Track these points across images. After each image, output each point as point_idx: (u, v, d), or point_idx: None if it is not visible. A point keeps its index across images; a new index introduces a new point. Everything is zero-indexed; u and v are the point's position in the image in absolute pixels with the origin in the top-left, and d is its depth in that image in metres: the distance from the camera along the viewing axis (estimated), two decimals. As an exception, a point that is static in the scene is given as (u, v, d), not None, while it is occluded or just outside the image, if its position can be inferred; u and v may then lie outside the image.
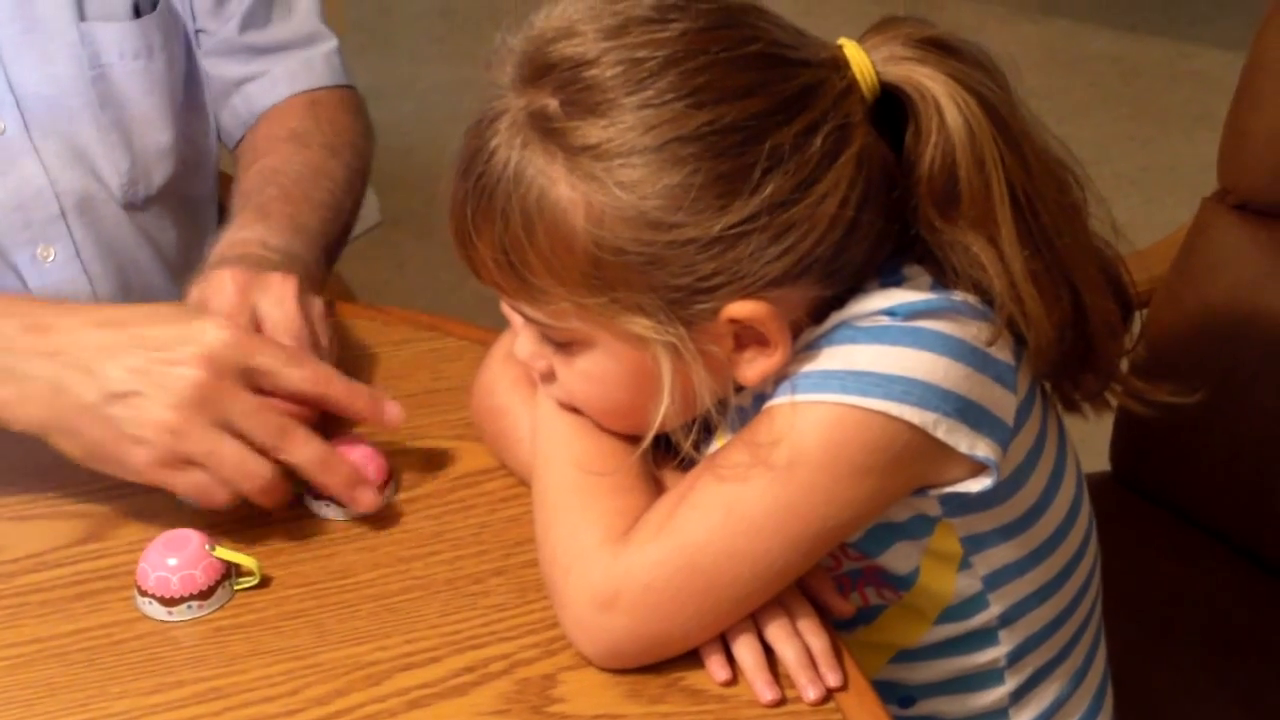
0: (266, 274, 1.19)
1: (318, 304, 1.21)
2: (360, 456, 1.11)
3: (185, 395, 1.04)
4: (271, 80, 1.54)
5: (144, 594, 1.04)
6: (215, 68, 1.54)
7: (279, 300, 1.17)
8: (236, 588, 1.06)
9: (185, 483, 1.06)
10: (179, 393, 1.04)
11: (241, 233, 1.28)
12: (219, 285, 1.18)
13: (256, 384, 1.07)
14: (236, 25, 1.53)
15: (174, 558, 1.04)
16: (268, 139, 1.49)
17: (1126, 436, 1.64)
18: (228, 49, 1.54)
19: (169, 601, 1.04)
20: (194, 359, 1.05)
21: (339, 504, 1.11)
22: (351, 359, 1.27)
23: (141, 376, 1.05)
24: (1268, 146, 1.56)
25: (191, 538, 1.05)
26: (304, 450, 1.07)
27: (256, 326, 1.16)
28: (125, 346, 1.06)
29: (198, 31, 1.53)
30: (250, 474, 1.05)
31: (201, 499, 1.07)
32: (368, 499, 1.10)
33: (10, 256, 1.44)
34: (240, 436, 1.05)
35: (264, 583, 1.07)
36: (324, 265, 1.33)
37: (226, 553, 1.05)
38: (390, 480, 1.14)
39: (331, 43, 1.58)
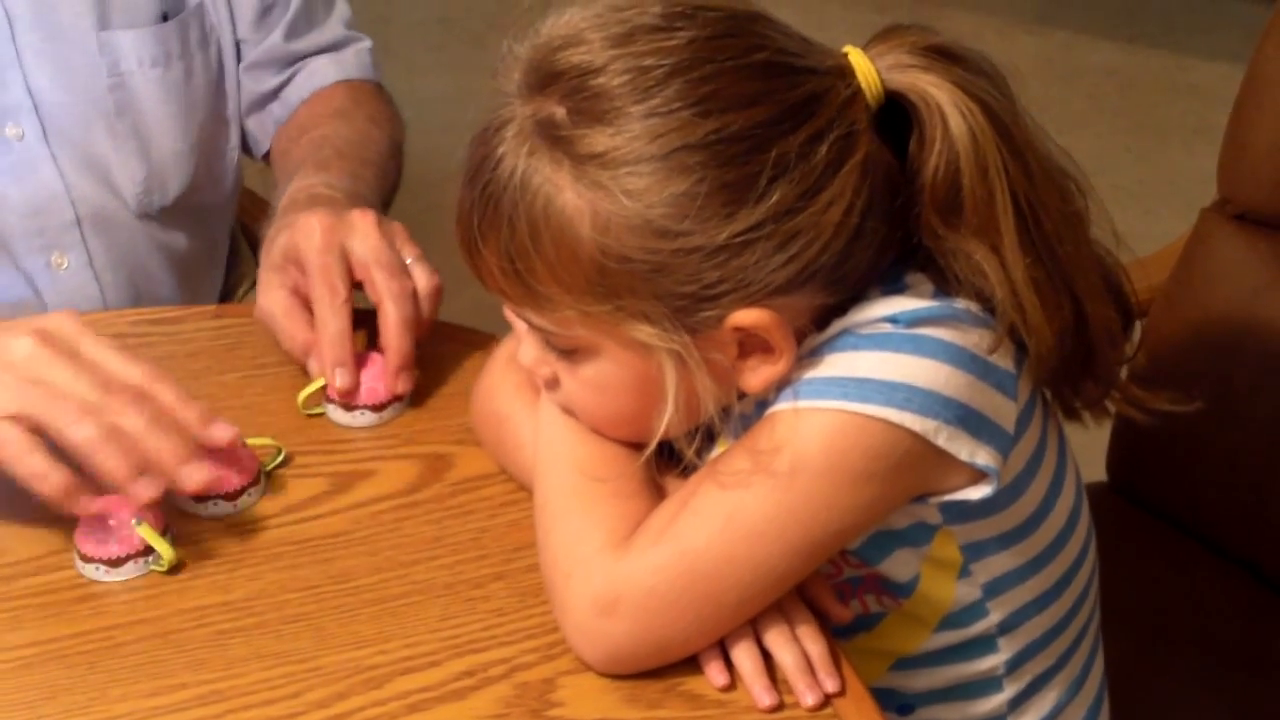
0: (348, 212, 1.22)
1: (399, 229, 1.23)
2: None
3: (8, 356, 1.05)
4: (308, 74, 1.57)
5: (85, 559, 1.07)
6: (254, 81, 1.56)
7: (364, 234, 1.20)
8: (151, 567, 1.08)
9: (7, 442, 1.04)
10: (3, 352, 1.06)
11: (306, 179, 1.32)
12: (306, 229, 1.21)
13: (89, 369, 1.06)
14: (282, 34, 1.56)
15: (112, 519, 1.07)
16: (313, 116, 1.53)
17: (1123, 447, 1.64)
18: (270, 58, 1.56)
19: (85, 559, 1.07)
20: (29, 331, 1.07)
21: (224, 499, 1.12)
22: (352, 364, 1.27)
23: None
24: (1268, 157, 1.56)
25: (124, 504, 1.07)
26: (130, 416, 1.04)
27: (347, 268, 1.19)
28: None
29: (239, 43, 1.54)
30: (75, 433, 1.03)
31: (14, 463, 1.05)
32: (196, 477, 1.05)
33: (23, 263, 1.45)
34: (59, 397, 1.04)
35: (176, 568, 1.08)
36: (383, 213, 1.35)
37: (147, 531, 1.07)
38: (258, 480, 1.13)
39: (365, 42, 1.63)
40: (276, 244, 1.23)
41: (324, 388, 1.19)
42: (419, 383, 1.22)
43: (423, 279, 1.21)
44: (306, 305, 1.21)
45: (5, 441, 1.04)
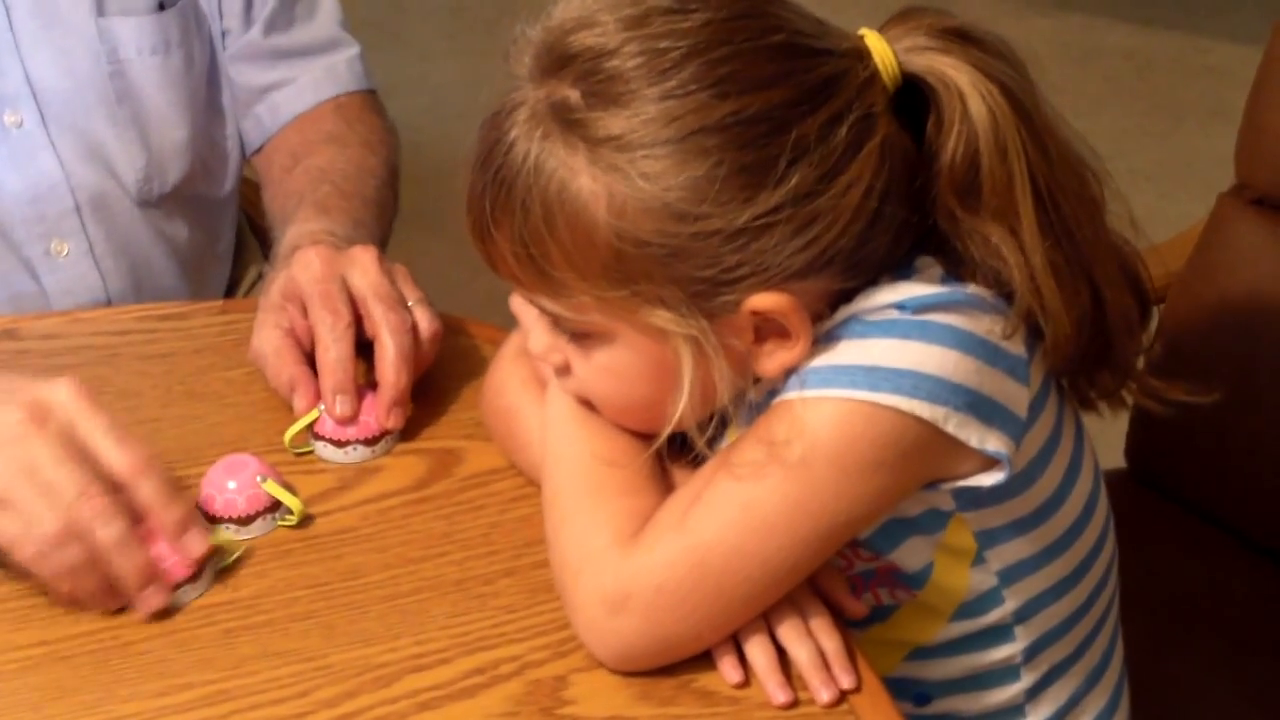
0: (349, 248, 1.20)
1: (401, 269, 1.21)
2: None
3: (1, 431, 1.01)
4: (298, 89, 1.55)
5: (214, 519, 1.09)
6: (240, 74, 1.55)
7: (364, 269, 1.18)
8: (278, 523, 1.09)
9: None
10: None
11: (307, 225, 1.30)
12: (305, 262, 1.19)
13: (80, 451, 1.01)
14: (260, 29, 1.54)
15: (233, 481, 1.09)
16: (305, 143, 1.50)
17: (1142, 434, 1.63)
18: (252, 53, 1.54)
19: (243, 520, 1.09)
20: (22, 404, 1.01)
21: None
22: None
23: None
24: (1286, 141, 1.55)
25: (249, 463, 1.10)
26: (102, 524, 1.00)
27: (348, 297, 1.17)
28: None
29: (224, 33, 1.53)
30: (41, 527, 0.99)
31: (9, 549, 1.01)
32: (154, 601, 1.02)
33: (23, 251, 1.44)
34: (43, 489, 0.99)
35: (304, 521, 1.10)
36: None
37: (274, 488, 1.09)
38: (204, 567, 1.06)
39: (354, 49, 1.60)
40: (276, 283, 1.21)
41: (312, 424, 1.16)
42: (428, 376, 1.21)
43: (424, 321, 1.18)
44: (300, 345, 1.18)
45: (13, 540, 1.01)
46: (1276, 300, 1.53)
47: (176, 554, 1.03)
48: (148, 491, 1.02)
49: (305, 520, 1.11)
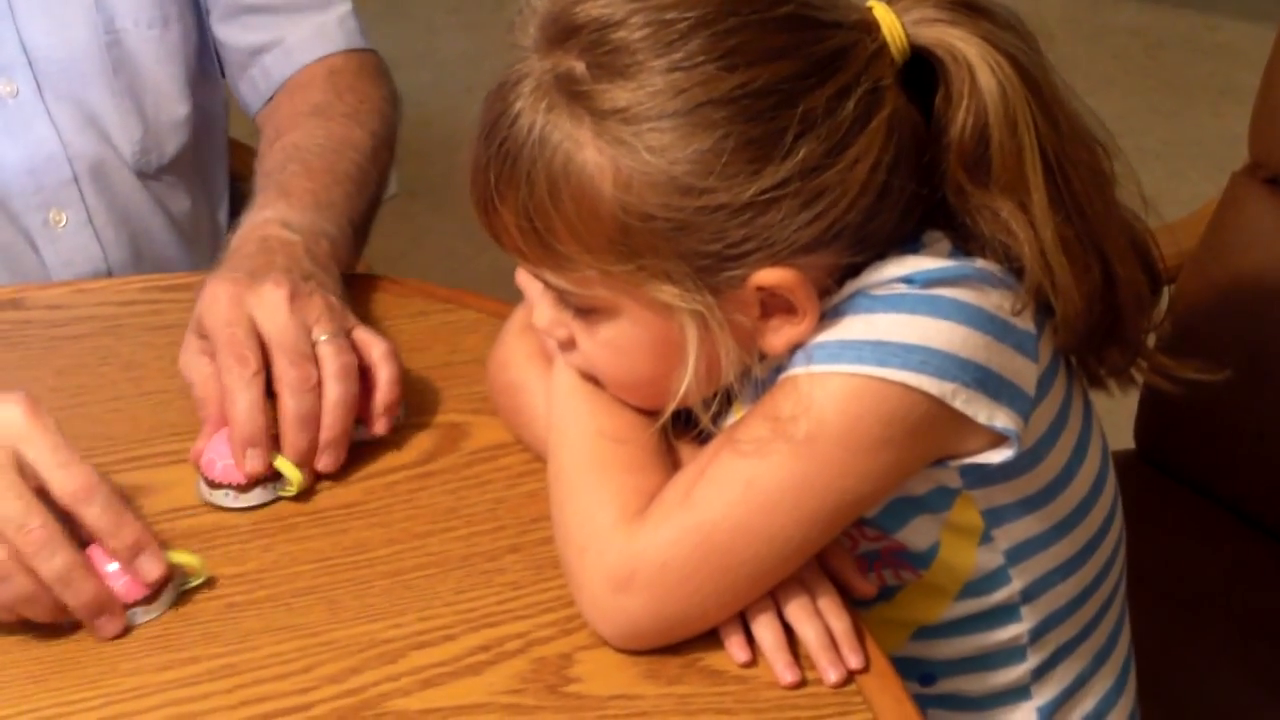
0: (260, 283, 1.13)
1: (315, 302, 1.13)
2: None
3: None
4: (286, 50, 1.52)
5: (214, 485, 1.09)
6: (228, 35, 1.53)
7: (272, 311, 1.11)
8: (279, 493, 1.10)
9: None
10: None
11: (263, 213, 1.25)
12: (211, 298, 1.13)
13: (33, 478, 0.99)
14: None
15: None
16: (290, 115, 1.47)
17: (1152, 414, 1.63)
18: (230, 9, 1.51)
19: (242, 488, 1.09)
20: None
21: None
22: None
23: None
24: (1299, 120, 1.54)
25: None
26: (45, 558, 0.97)
27: (256, 341, 1.11)
28: None
29: None
30: None
31: None
32: (108, 629, 1.00)
33: (22, 220, 1.44)
34: None
35: (303, 495, 1.10)
36: (352, 237, 1.30)
37: (276, 458, 1.09)
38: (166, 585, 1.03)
39: (345, 6, 1.55)
40: (196, 306, 1.15)
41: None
42: (433, 351, 1.21)
43: (330, 357, 1.10)
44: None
45: None
46: (1291, 281, 1.52)
47: (130, 575, 1.00)
48: (94, 516, 0.99)
49: (305, 493, 1.10)
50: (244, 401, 1.08)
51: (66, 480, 0.99)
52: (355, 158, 1.39)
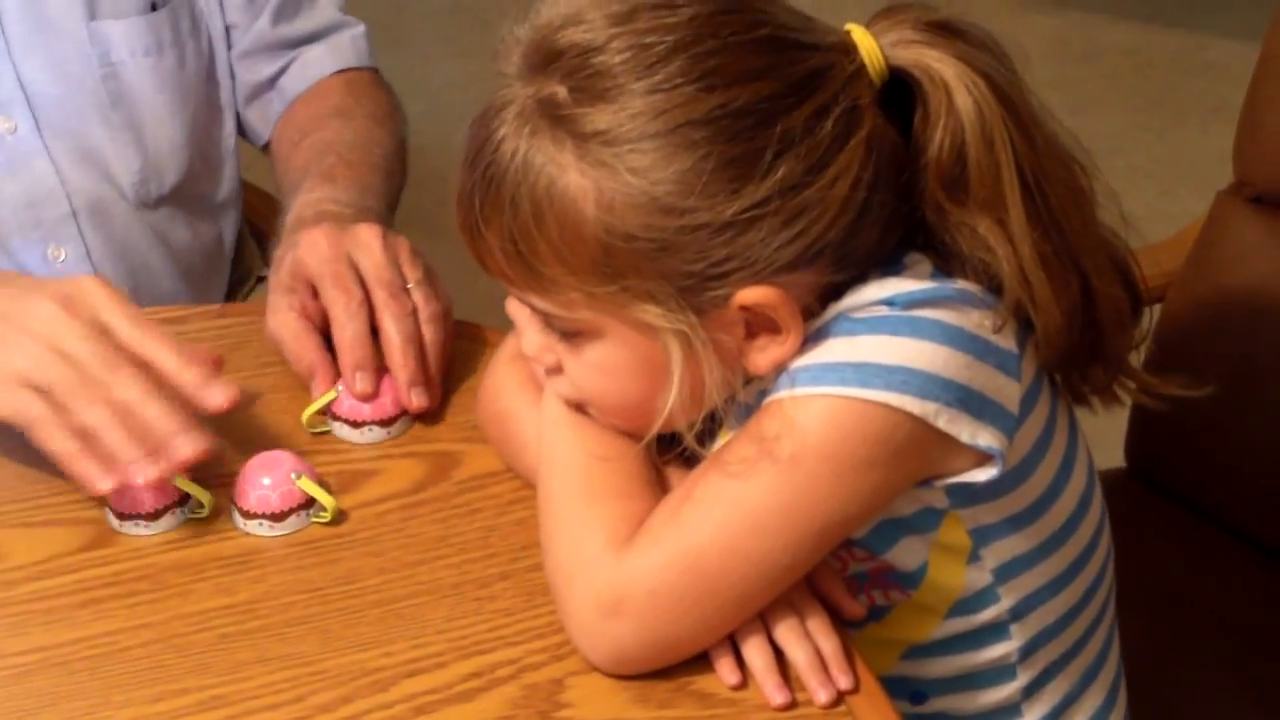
0: (353, 226, 1.21)
1: (403, 244, 1.22)
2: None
3: (29, 321, 1.08)
4: (303, 65, 1.56)
5: (248, 515, 1.10)
6: (248, 70, 1.55)
7: (369, 249, 1.19)
8: (312, 520, 1.10)
9: (25, 410, 1.07)
10: (26, 315, 1.09)
11: (313, 194, 1.31)
12: (311, 242, 1.21)
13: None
14: (269, 18, 1.55)
15: (267, 478, 1.10)
16: (311, 118, 1.51)
17: (1141, 432, 1.63)
18: (260, 44, 1.55)
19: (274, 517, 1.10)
20: (53, 294, 1.09)
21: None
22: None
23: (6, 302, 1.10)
24: (1284, 138, 1.54)
25: (284, 459, 1.11)
26: (123, 388, 1.06)
27: (358, 276, 1.18)
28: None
29: (229, 28, 1.53)
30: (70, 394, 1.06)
31: (40, 439, 1.07)
32: (151, 471, 1.07)
33: (20, 257, 1.44)
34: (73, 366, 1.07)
35: (338, 519, 1.11)
36: (390, 221, 1.35)
37: (309, 484, 1.10)
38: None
39: (358, 27, 1.61)
40: (284, 264, 1.22)
41: (330, 405, 1.18)
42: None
43: (422, 303, 1.20)
44: (316, 327, 1.20)
45: (35, 420, 1.07)
46: (1275, 297, 1.53)
47: (150, 489, 1.07)
48: (167, 363, 1.08)
49: (337, 520, 1.11)
50: (352, 330, 1.16)
51: (143, 334, 1.09)
52: (381, 152, 1.44)
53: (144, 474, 1.06)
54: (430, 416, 1.20)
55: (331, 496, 1.11)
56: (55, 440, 1.06)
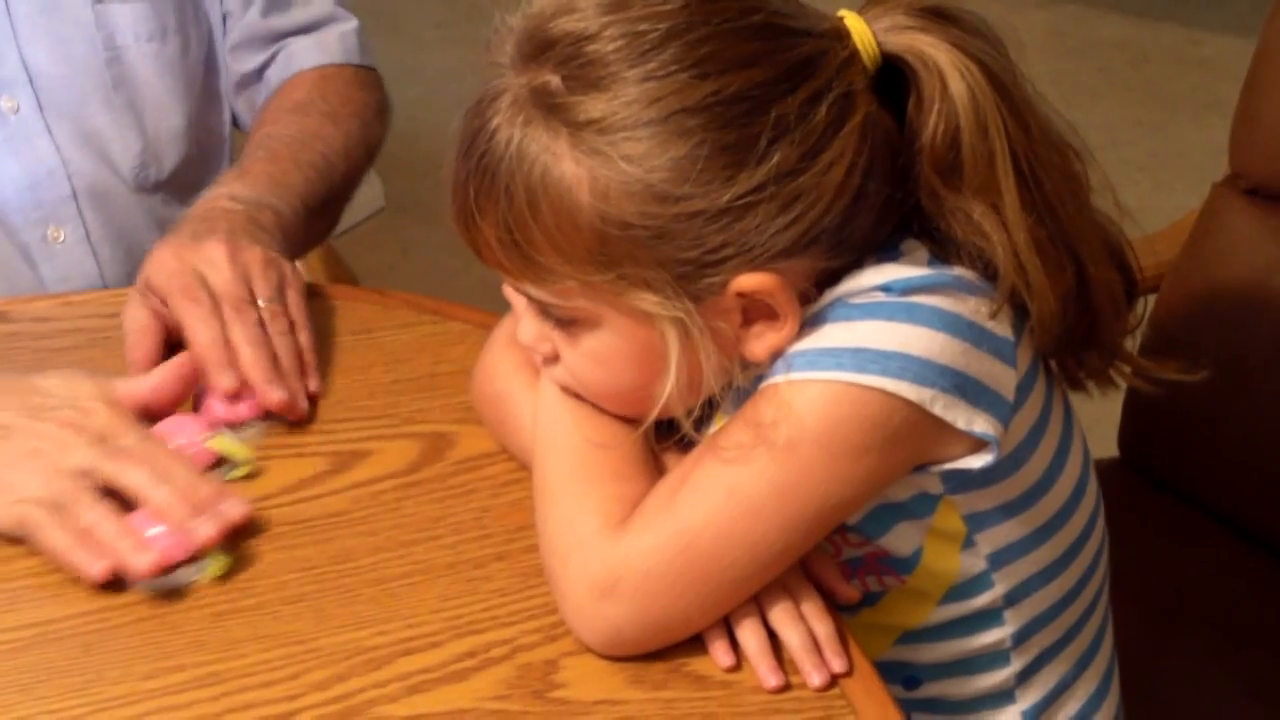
0: (201, 242, 1.20)
1: (255, 259, 1.21)
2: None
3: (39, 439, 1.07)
4: (286, 57, 1.55)
5: None
6: (237, 61, 1.55)
7: (214, 264, 1.19)
8: (227, 478, 1.10)
9: (26, 519, 1.05)
10: (30, 434, 1.07)
11: (217, 189, 1.31)
12: (158, 260, 1.21)
13: None
14: (259, 10, 1.54)
15: (181, 438, 1.10)
16: (273, 111, 1.50)
17: (1136, 422, 1.63)
18: (250, 35, 1.54)
19: None
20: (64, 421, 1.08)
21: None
22: (353, 343, 1.26)
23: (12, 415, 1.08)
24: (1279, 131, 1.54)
25: (187, 422, 1.12)
26: (128, 476, 1.05)
27: (205, 287, 1.18)
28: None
29: (225, 15, 1.53)
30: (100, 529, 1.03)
31: (38, 540, 1.05)
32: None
33: (20, 236, 1.44)
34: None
35: (252, 475, 1.11)
36: (305, 218, 1.34)
37: (221, 443, 1.10)
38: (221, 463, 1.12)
39: (350, 23, 1.59)
40: (140, 272, 1.22)
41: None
42: (419, 362, 1.22)
43: (269, 319, 1.18)
44: (165, 328, 1.20)
45: (35, 526, 1.05)
46: (1269, 290, 1.53)
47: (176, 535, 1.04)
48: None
49: (253, 474, 1.12)
50: (206, 335, 1.16)
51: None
52: (321, 149, 1.42)
53: (138, 565, 1.02)
54: (422, 393, 1.20)
55: (245, 447, 1.11)
56: (53, 539, 1.04)
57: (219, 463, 1.11)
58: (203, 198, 1.30)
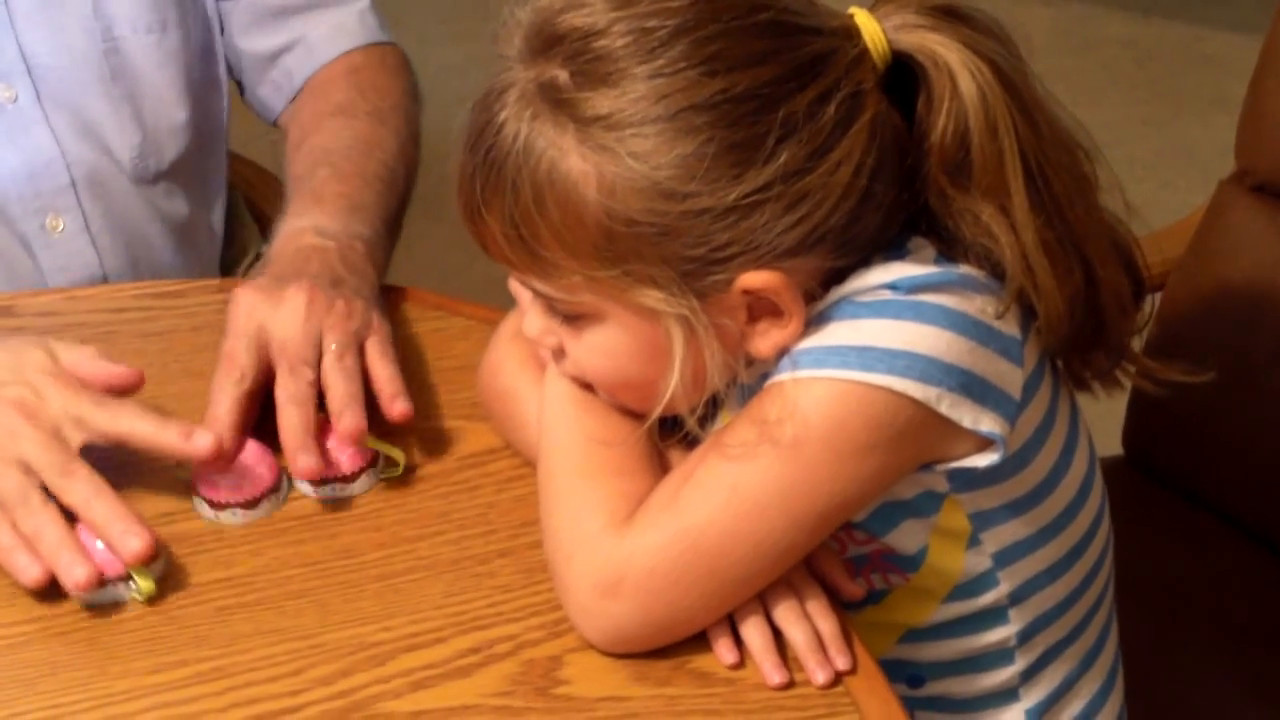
0: (283, 289, 1.16)
1: (336, 308, 1.16)
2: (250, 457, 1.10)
3: None
4: (307, 48, 1.53)
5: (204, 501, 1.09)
6: (249, 43, 1.53)
7: (285, 321, 1.15)
8: (382, 476, 1.12)
9: None
10: None
11: (298, 221, 1.27)
12: (235, 305, 1.17)
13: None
14: None
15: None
16: (314, 116, 1.48)
17: (1140, 421, 1.63)
18: (256, 16, 1.52)
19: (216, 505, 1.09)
20: (13, 401, 1.06)
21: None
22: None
23: None
24: (1287, 128, 1.54)
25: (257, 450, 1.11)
26: (72, 494, 1.04)
27: (263, 345, 1.14)
28: None
29: (221, 1, 1.52)
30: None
31: None
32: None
33: (19, 226, 1.44)
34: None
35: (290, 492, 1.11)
36: (385, 236, 1.32)
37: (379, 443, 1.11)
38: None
39: (363, 1, 1.57)
40: (253, 318, 1.17)
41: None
42: (423, 358, 1.22)
43: (335, 381, 1.12)
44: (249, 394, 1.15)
45: None
46: (1276, 286, 1.52)
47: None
48: (143, 432, 1.08)
49: (291, 492, 1.11)
50: (221, 402, 1.12)
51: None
52: (382, 157, 1.40)
53: (73, 576, 1.01)
54: (427, 389, 1.20)
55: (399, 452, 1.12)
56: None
57: (375, 461, 1.11)
58: (287, 231, 1.26)
